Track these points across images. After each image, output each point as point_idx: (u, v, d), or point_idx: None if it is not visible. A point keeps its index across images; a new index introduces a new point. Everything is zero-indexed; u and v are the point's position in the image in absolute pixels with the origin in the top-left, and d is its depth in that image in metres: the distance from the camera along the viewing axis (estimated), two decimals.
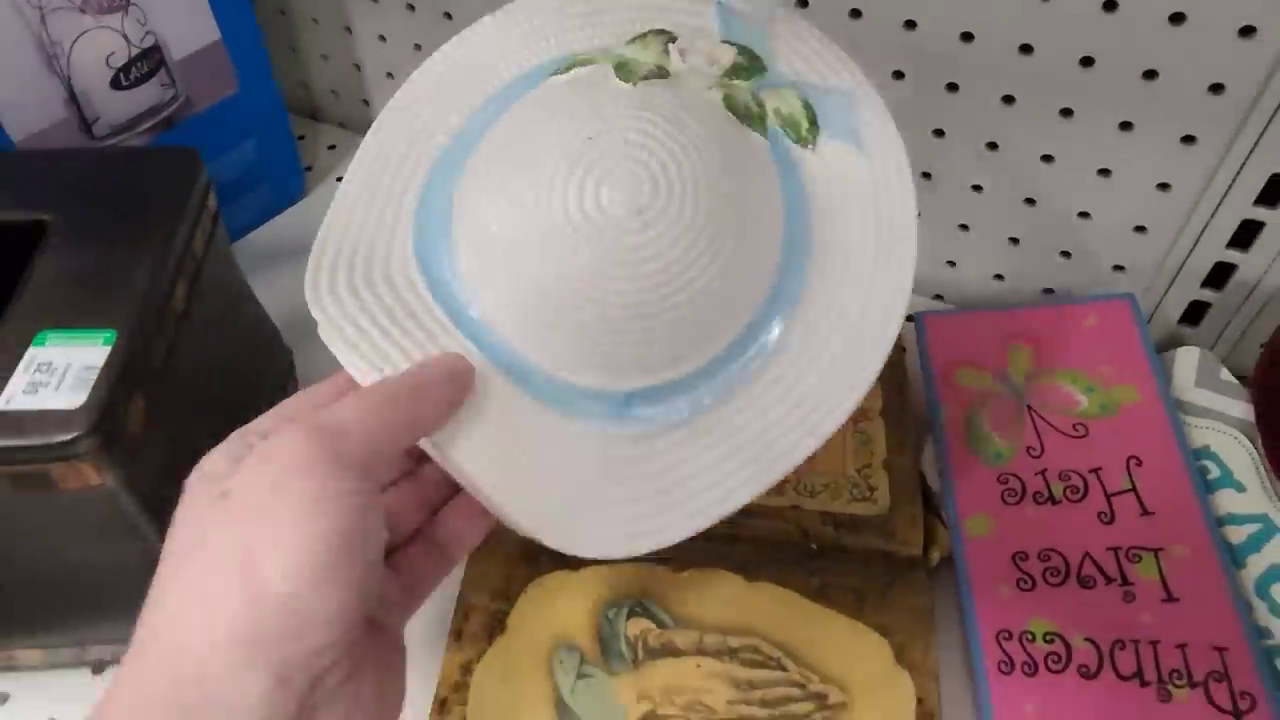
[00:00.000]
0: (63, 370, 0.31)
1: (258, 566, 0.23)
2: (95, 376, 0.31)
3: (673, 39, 0.35)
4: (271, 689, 0.22)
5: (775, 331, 0.32)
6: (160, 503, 0.34)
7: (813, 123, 0.34)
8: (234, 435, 0.28)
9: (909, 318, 0.50)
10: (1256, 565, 0.40)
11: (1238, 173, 0.44)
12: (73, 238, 0.36)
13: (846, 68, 0.36)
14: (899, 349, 0.50)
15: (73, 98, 0.48)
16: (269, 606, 0.23)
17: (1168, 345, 0.49)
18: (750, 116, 0.34)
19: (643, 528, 0.31)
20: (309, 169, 0.66)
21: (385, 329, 0.31)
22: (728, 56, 0.35)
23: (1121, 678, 0.37)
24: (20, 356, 0.32)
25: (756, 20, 0.36)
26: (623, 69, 0.34)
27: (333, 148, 0.68)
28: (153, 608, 0.24)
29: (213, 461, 0.26)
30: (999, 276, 0.55)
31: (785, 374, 0.32)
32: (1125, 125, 0.45)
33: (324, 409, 0.26)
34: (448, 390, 0.29)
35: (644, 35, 0.35)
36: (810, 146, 0.34)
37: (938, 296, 0.58)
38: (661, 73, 0.34)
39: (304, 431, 0.25)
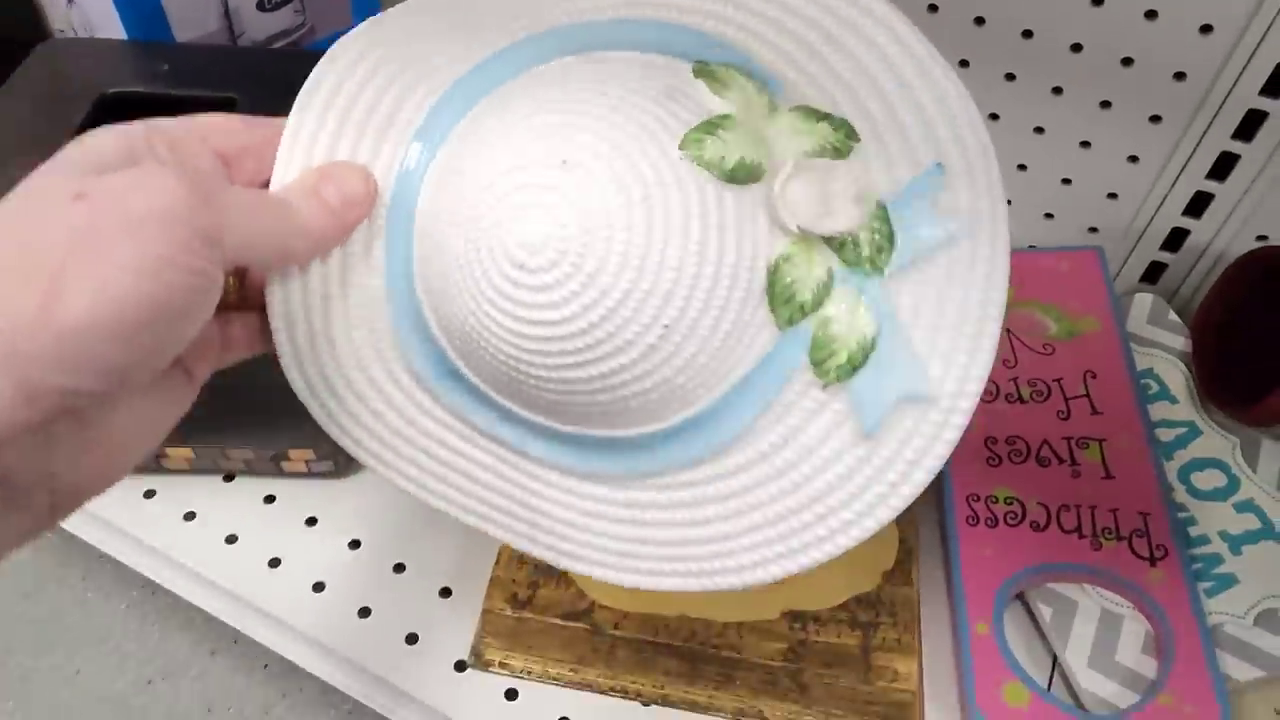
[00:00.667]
0: None
1: (64, 289, 0.21)
2: None
3: (848, 140, 0.28)
4: (14, 400, 0.20)
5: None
6: None
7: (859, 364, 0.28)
8: (145, 125, 0.26)
9: None
10: (1181, 458, 0.49)
11: (1194, 149, 0.54)
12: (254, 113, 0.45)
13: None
14: None
15: (226, 14, 0.57)
16: (52, 330, 0.20)
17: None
18: (788, 302, 0.27)
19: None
20: None
21: (336, 134, 0.30)
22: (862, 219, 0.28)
23: (1064, 531, 0.46)
24: None
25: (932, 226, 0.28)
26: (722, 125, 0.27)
27: None
28: None
29: (100, 142, 0.25)
30: None
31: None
32: (1105, 104, 0.55)
33: (225, 185, 0.26)
34: (336, 223, 0.28)
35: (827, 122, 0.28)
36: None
37: None
38: (752, 173, 0.27)
39: (192, 193, 0.23)
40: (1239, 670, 0.42)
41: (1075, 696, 0.43)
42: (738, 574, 0.30)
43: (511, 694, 0.44)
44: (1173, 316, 0.55)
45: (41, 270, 0.21)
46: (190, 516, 0.49)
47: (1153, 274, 0.60)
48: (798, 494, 0.29)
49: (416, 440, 0.31)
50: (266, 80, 0.47)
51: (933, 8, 0.55)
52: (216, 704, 0.64)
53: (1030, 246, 0.63)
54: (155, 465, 0.49)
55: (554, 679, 0.44)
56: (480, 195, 0.27)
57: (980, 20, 0.55)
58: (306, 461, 0.49)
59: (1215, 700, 0.40)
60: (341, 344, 0.31)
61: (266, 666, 0.64)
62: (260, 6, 0.58)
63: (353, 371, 0.31)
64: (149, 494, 0.50)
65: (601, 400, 0.27)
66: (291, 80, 0.47)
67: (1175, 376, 0.52)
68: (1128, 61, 0.52)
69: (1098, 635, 0.44)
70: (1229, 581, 0.44)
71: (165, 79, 0.47)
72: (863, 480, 0.28)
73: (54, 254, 0.21)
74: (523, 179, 0.27)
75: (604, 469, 0.30)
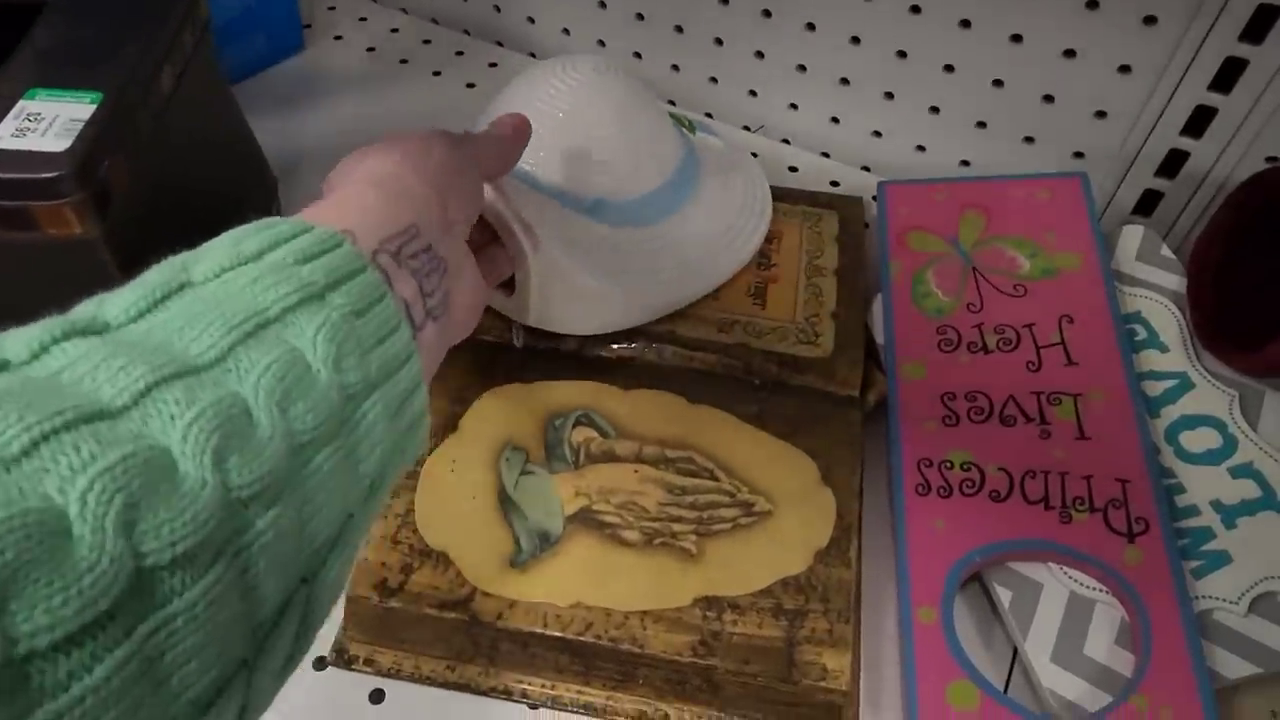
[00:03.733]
0: (50, 120, 0.33)
1: (432, 145, 0.32)
2: (80, 128, 0.33)
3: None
4: (429, 195, 0.30)
5: (693, 187, 0.47)
6: (136, 263, 0.36)
7: (691, 127, 0.52)
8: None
9: (874, 196, 0.53)
10: (1169, 415, 0.42)
11: (1194, 55, 0.46)
12: (67, 17, 0.38)
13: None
14: (861, 223, 0.52)
15: None
16: (439, 159, 0.31)
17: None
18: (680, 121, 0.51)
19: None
20: (308, 26, 0.67)
21: None
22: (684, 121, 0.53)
23: (1029, 502, 0.39)
24: (10, 108, 0.34)
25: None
26: None
27: (332, 9, 0.70)
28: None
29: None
30: (965, 162, 0.57)
31: (702, 212, 0.47)
32: (1092, 4, 0.47)
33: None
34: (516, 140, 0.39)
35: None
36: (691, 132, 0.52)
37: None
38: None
39: (465, 147, 0.34)
40: (1230, 666, 0.35)
41: (1036, 696, 0.37)
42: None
43: (377, 695, 0.37)
44: (1166, 252, 0.47)
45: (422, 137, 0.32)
46: None
47: (1146, 204, 0.53)
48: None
49: None
50: None
51: None
52: None
53: (1006, 175, 0.56)
54: None
55: (427, 678, 0.38)
56: None
57: None
58: None
59: (1199, 701, 0.34)
60: None
61: None
62: None
63: None
64: None
65: None
66: None
67: (1167, 321, 0.45)
68: None
69: (1064, 624, 0.37)
70: (1221, 560, 0.38)
71: None
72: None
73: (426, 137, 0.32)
74: None
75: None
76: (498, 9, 0.66)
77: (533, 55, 0.67)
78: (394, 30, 0.68)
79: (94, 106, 0.34)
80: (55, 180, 0.32)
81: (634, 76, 0.48)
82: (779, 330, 0.46)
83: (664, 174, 0.48)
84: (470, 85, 0.64)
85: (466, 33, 0.68)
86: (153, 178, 0.37)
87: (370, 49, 0.66)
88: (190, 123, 0.41)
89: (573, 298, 0.43)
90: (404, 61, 0.66)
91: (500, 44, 0.68)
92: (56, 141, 0.33)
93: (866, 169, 0.60)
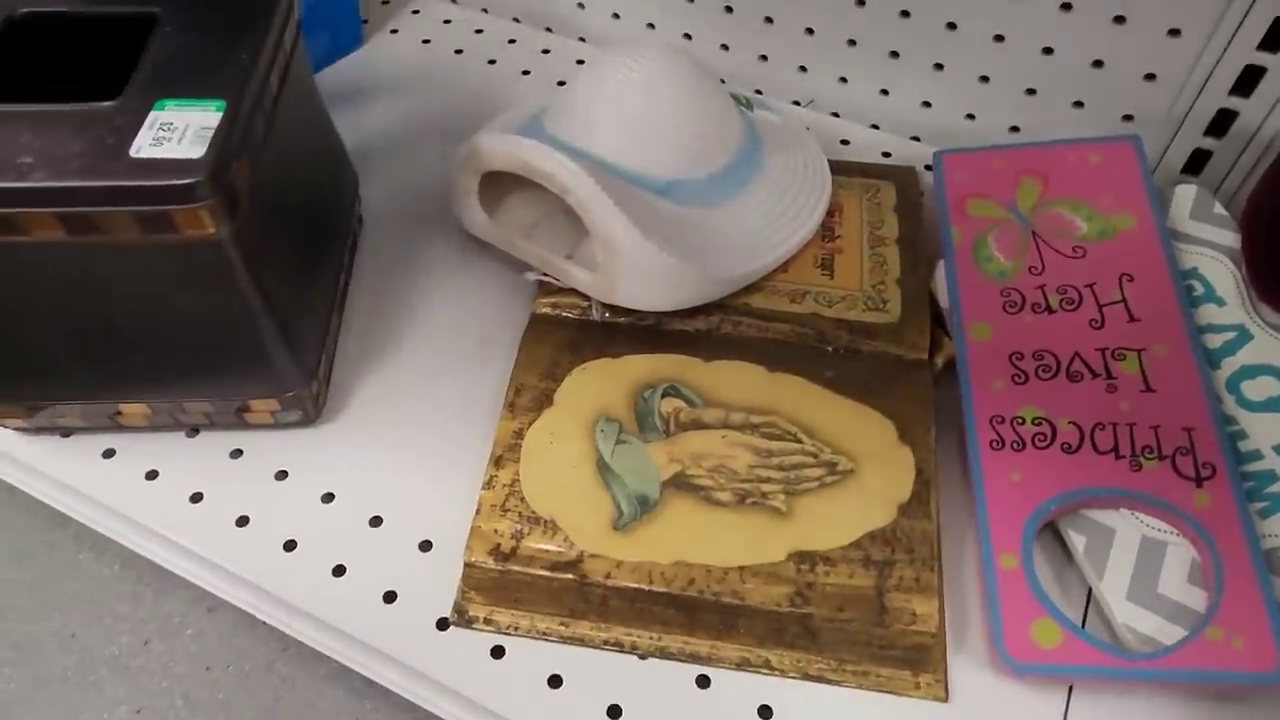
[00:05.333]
0: (183, 129, 0.36)
1: None
2: (211, 135, 0.36)
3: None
4: None
5: (757, 165, 0.50)
6: (255, 260, 0.39)
7: (749, 104, 0.56)
8: None
9: (927, 166, 0.55)
10: (1230, 366, 0.44)
11: (1244, 16, 0.47)
12: (178, 29, 0.40)
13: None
14: (917, 192, 0.54)
15: None
16: None
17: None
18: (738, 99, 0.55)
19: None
20: (365, 22, 0.69)
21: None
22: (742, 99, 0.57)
23: (1099, 452, 0.42)
24: (144, 119, 0.36)
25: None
26: None
27: (386, 3, 0.72)
28: None
29: None
30: (1014, 128, 0.59)
31: (768, 189, 0.50)
32: None
33: None
34: None
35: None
36: (749, 109, 0.56)
37: None
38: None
39: None
40: None
41: (1113, 633, 0.39)
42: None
43: (498, 651, 0.40)
44: (1219, 210, 0.49)
45: None
46: (152, 475, 0.46)
47: (1196, 164, 0.54)
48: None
49: None
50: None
51: None
52: (215, 662, 0.62)
53: (1059, 141, 0.57)
54: (111, 423, 0.46)
55: (542, 634, 0.41)
56: None
57: None
58: (272, 412, 0.45)
59: (1271, 632, 0.36)
60: None
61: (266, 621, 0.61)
62: None
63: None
64: (108, 453, 0.47)
65: None
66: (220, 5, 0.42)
67: (1223, 276, 0.47)
68: None
69: (1138, 565, 0.40)
70: None
71: None
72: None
73: None
74: None
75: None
76: None
77: (582, 40, 0.69)
78: (446, 21, 0.70)
79: (219, 114, 0.36)
80: (194, 185, 0.35)
81: (695, 60, 0.50)
82: (848, 299, 0.48)
83: (730, 153, 0.50)
84: (525, 72, 0.66)
85: (516, 20, 0.70)
86: (265, 177, 0.40)
87: (425, 41, 0.68)
88: (291, 121, 0.43)
89: (652, 276, 0.46)
90: (459, 52, 0.68)
91: (550, 30, 0.69)
92: (192, 149, 0.35)
93: (916, 139, 0.62)
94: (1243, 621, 0.37)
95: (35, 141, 0.35)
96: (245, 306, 0.40)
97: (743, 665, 0.40)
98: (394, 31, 0.69)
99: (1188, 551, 0.40)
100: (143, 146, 0.35)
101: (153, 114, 0.36)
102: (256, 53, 0.39)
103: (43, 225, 0.36)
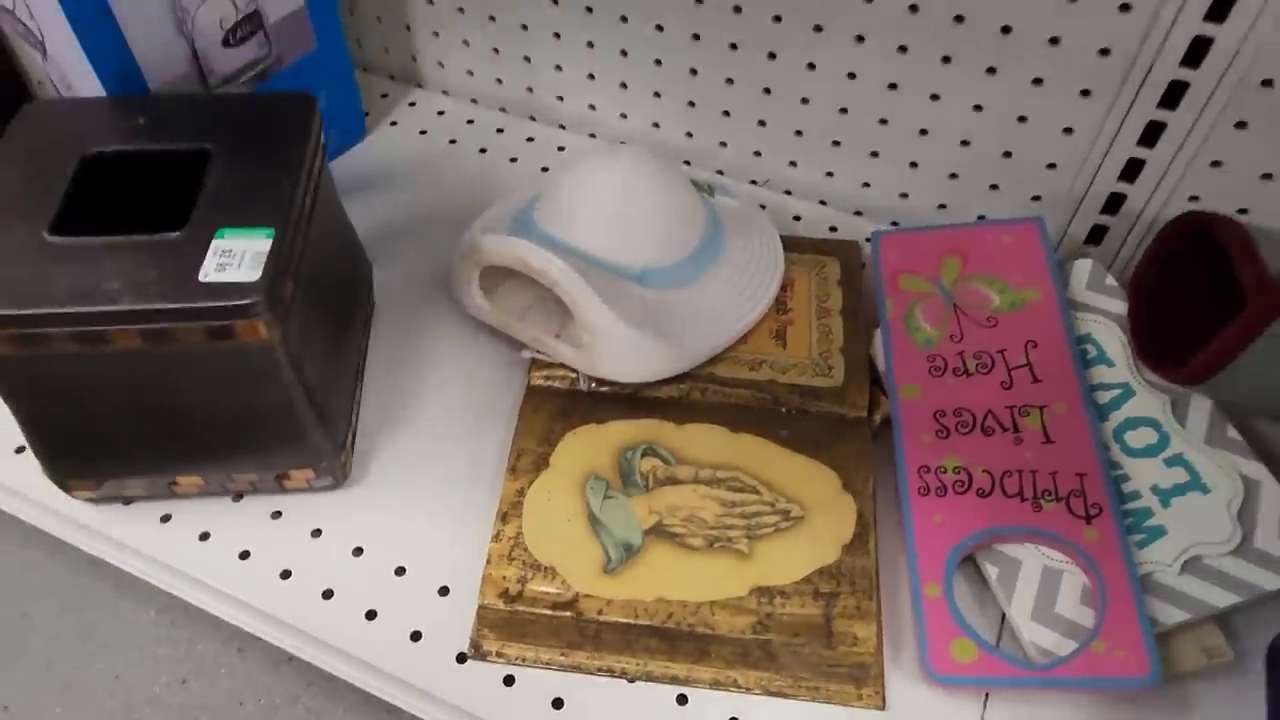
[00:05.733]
0: (240, 255, 0.43)
1: None
2: (264, 260, 0.43)
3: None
4: None
5: (719, 248, 0.58)
6: (297, 355, 0.47)
7: (710, 190, 0.65)
8: None
9: (867, 239, 0.63)
10: (1116, 419, 0.53)
11: (1123, 119, 0.56)
12: (228, 162, 0.48)
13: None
14: (859, 264, 0.62)
15: (194, 55, 0.60)
16: None
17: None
18: (697, 184, 0.63)
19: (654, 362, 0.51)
20: (366, 114, 0.77)
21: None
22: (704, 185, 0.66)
23: (1007, 496, 0.50)
24: (209, 247, 0.44)
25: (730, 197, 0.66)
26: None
27: (385, 96, 0.80)
28: None
29: None
30: (942, 205, 0.67)
31: (729, 271, 0.58)
32: (1037, 81, 0.57)
33: None
34: None
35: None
36: (711, 195, 0.65)
37: (894, 224, 0.70)
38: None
39: None
40: (1167, 614, 0.46)
41: (1021, 647, 0.47)
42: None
43: (509, 680, 0.48)
44: (1110, 281, 0.58)
45: None
46: (204, 536, 0.53)
47: (1096, 236, 0.63)
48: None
49: None
50: (239, 126, 0.50)
51: None
52: (247, 697, 0.69)
53: (980, 216, 0.66)
54: (168, 491, 0.53)
55: (546, 664, 0.48)
56: None
57: (914, 8, 0.57)
58: (307, 479, 0.53)
59: (1144, 644, 0.45)
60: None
61: (291, 659, 0.68)
62: (226, 43, 0.61)
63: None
64: (165, 518, 0.54)
65: None
66: (260, 124, 0.50)
67: (1112, 340, 0.55)
68: (1055, 41, 0.55)
69: (1040, 590, 0.48)
70: (1159, 533, 0.48)
71: (143, 134, 0.50)
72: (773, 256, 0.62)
73: None
74: None
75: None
76: (530, 90, 0.76)
77: (563, 127, 0.77)
78: (440, 113, 0.78)
79: (269, 240, 0.44)
80: (254, 304, 0.42)
81: (664, 158, 0.58)
82: (798, 366, 0.56)
83: (695, 241, 0.58)
84: (513, 159, 0.74)
85: (503, 110, 0.78)
86: (304, 284, 0.47)
87: (422, 132, 0.76)
88: (321, 230, 0.51)
89: (628, 354, 0.54)
90: (453, 142, 0.76)
91: (534, 118, 0.78)
92: (249, 272, 0.43)
93: (859, 213, 0.70)
94: (1122, 636, 0.45)
95: (119, 269, 0.43)
96: (288, 395, 0.48)
97: (715, 685, 0.48)
98: (393, 124, 0.77)
99: (1080, 578, 0.48)
100: (209, 272, 0.43)
101: (215, 242, 0.44)
102: (295, 182, 0.47)
103: (126, 338, 0.43)
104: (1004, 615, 0.49)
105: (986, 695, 0.47)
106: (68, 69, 0.57)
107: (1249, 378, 0.48)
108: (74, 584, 0.74)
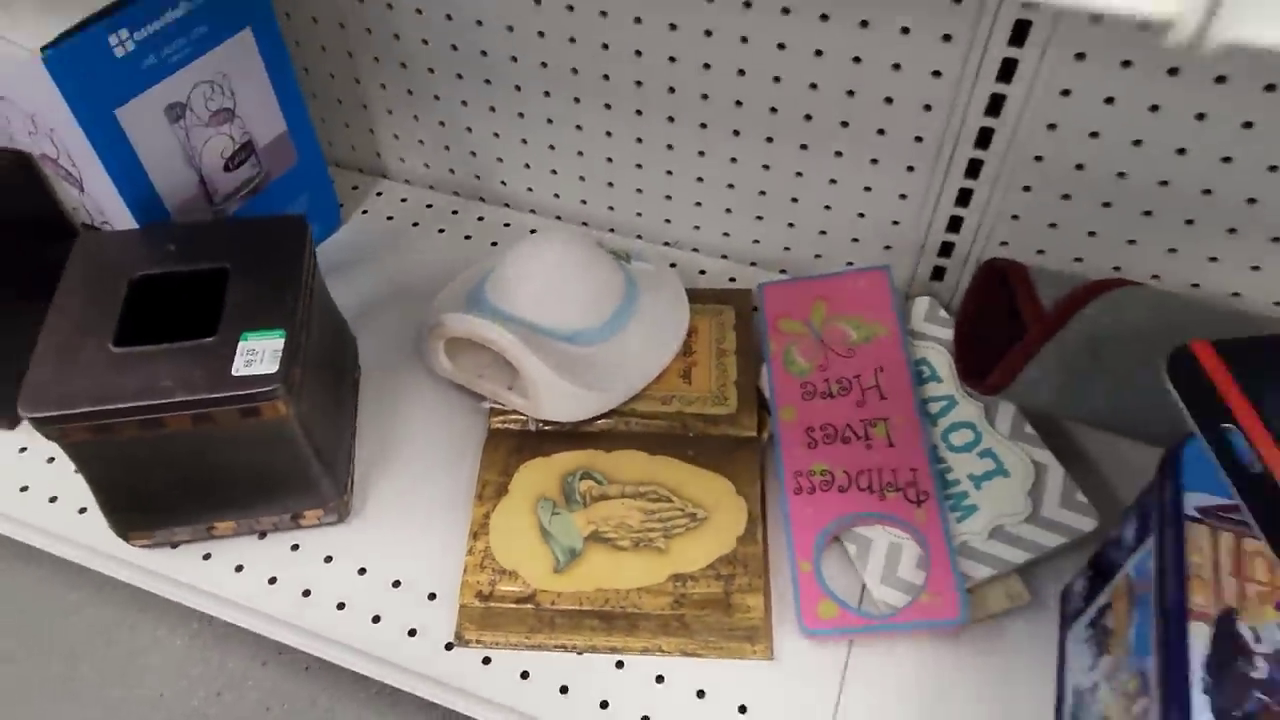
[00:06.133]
0: (261, 353, 0.58)
1: None
2: (280, 355, 0.58)
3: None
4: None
5: (634, 308, 0.64)
6: (307, 423, 0.61)
7: (627, 257, 0.78)
8: None
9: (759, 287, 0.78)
10: (943, 424, 0.68)
11: (941, 187, 0.72)
12: (243, 277, 0.62)
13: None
14: (750, 310, 0.77)
15: (202, 181, 0.74)
16: None
17: (922, 294, 0.77)
18: (616, 253, 0.76)
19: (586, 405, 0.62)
20: (340, 205, 0.92)
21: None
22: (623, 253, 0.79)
23: (860, 490, 0.65)
24: (237, 347, 0.58)
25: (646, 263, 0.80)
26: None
27: (355, 188, 0.94)
28: None
29: None
30: (819, 255, 0.83)
31: (643, 325, 0.69)
32: (874, 160, 0.73)
33: None
34: None
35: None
36: (628, 261, 0.78)
37: (782, 271, 0.85)
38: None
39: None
40: (979, 571, 0.61)
41: (875, 605, 0.63)
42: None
43: (487, 660, 0.62)
44: (943, 314, 0.73)
45: None
46: (239, 568, 0.67)
47: (939, 274, 0.79)
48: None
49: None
50: (249, 247, 0.64)
51: (741, 71, 0.73)
52: (273, 703, 0.83)
53: (849, 262, 0.82)
54: (208, 535, 0.67)
55: (514, 646, 0.63)
56: None
57: (774, 110, 0.72)
58: (318, 517, 0.67)
59: (956, 594, 0.60)
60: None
61: (308, 668, 0.82)
62: (226, 168, 0.75)
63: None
64: (206, 556, 0.68)
65: None
66: (265, 244, 0.64)
67: (942, 362, 0.71)
68: (882, 132, 0.70)
69: (886, 560, 0.63)
70: (972, 510, 0.64)
71: (173, 258, 0.64)
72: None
73: None
74: None
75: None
76: (478, 177, 0.91)
77: (507, 206, 0.92)
78: (404, 200, 0.93)
79: (282, 339, 0.58)
80: (274, 389, 0.56)
81: (587, 238, 0.73)
82: (701, 398, 0.71)
83: (616, 303, 0.73)
84: (468, 237, 0.89)
85: (456, 194, 0.93)
86: (309, 366, 0.62)
87: (389, 217, 0.91)
88: (317, 321, 0.65)
89: (565, 400, 0.68)
90: (415, 224, 0.90)
91: (483, 199, 0.92)
92: (269, 366, 0.57)
93: (754, 264, 0.86)
94: (942, 588, 0.60)
95: (170, 370, 0.57)
96: (301, 454, 0.62)
97: (644, 651, 0.62)
98: (364, 212, 0.92)
99: (915, 549, 0.63)
100: (239, 368, 0.57)
101: (241, 344, 0.58)
102: (296, 291, 0.62)
103: (178, 422, 0.57)
104: (863, 583, 0.64)
105: (850, 641, 0.62)
106: (101, 200, 0.71)
107: (1031, 387, 0.64)
108: (117, 620, 0.87)
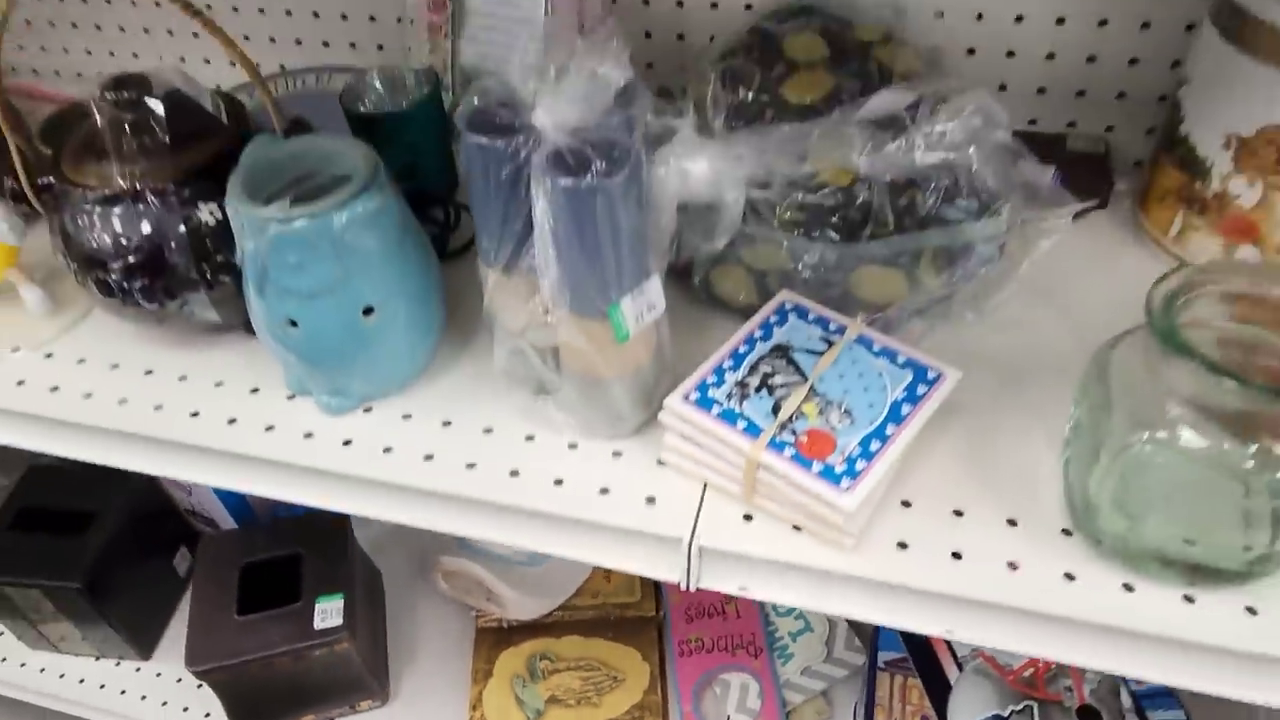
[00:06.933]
0: (332, 610, 0.93)
1: None
2: (343, 611, 0.93)
3: None
4: None
5: None
6: (363, 649, 0.96)
7: None
8: None
9: None
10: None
11: None
12: (313, 556, 0.98)
13: None
14: None
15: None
16: None
17: None
18: None
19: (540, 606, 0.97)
20: None
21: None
22: None
23: (721, 650, 1.00)
24: (314, 609, 0.93)
25: None
26: None
27: None
28: None
29: None
30: None
31: None
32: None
33: None
34: None
35: None
36: None
37: None
38: None
39: None
40: (795, 698, 0.96)
41: None
42: None
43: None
44: None
45: None
46: None
47: None
48: None
49: None
50: (314, 537, 1.00)
51: None
52: None
53: None
54: None
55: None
56: None
57: None
58: (369, 705, 1.01)
59: (780, 714, 0.95)
60: None
61: None
62: None
63: None
64: None
65: None
66: (322, 534, 1.00)
67: None
68: None
69: (739, 696, 0.98)
70: (790, 657, 0.99)
71: (264, 548, 0.99)
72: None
73: None
74: None
75: None
76: None
77: None
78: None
79: (343, 600, 0.94)
80: (342, 635, 0.91)
81: None
82: (618, 591, 1.07)
83: None
84: None
85: None
86: (360, 612, 0.97)
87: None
88: (361, 581, 1.01)
89: (525, 605, 1.03)
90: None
91: None
92: (337, 619, 0.92)
93: None
94: (773, 713, 0.95)
95: (275, 629, 0.92)
96: (358, 669, 0.96)
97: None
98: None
99: (756, 685, 0.98)
100: (319, 623, 0.92)
101: (318, 605, 0.93)
102: (351, 567, 0.97)
103: (282, 662, 0.92)
104: (727, 714, 0.99)
105: None
106: (204, 498, 1.06)
107: None
108: None
